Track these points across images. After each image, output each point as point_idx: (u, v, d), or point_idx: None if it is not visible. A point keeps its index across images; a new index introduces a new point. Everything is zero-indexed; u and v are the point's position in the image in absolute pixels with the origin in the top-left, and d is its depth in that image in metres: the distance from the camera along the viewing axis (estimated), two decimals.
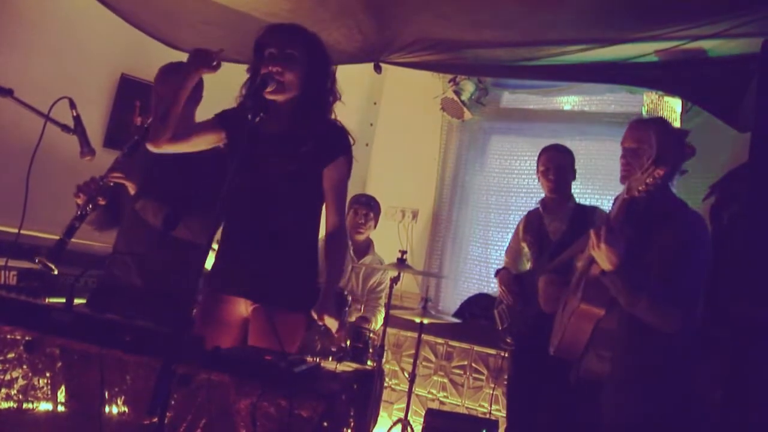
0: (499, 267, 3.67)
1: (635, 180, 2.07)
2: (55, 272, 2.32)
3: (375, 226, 4.24)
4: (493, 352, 4.45)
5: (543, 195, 3.54)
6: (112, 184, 2.44)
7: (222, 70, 2.23)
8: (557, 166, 3.40)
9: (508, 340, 3.44)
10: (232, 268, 2.25)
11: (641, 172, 2.04)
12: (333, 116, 2.29)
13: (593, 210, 3.42)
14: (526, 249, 3.49)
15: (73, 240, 2.39)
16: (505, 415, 3.99)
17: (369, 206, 4.17)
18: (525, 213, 3.70)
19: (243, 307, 2.25)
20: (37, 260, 2.30)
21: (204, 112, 2.50)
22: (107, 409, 1.71)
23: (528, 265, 3.48)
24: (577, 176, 3.52)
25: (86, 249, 2.86)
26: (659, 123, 2.37)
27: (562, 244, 3.15)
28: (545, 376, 2.91)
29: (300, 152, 2.16)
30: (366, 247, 4.22)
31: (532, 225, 3.50)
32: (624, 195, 2.13)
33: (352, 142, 2.29)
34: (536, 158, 3.54)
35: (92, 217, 2.50)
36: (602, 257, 2.10)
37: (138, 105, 2.81)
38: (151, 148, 2.24)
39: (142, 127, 2.48)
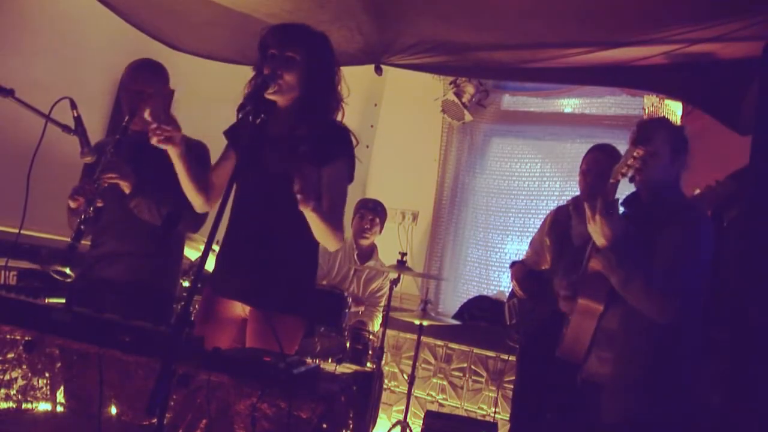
0: (516, 260, 3.57)
1: (618, 166, 2.16)
2: (72, 278, 2.31)
3: (380, 232, 4.25)
4: (492, 354, 4.44)
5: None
6: (106, 185, 2.41)
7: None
8: (598, 172, 3.04)
9: (515, 337, 3.40)
10: (229, 271, 2.24)
11: (625, 159, 2.14)
12: (340, 117, 2.25)
13: None
14: (548, 243, 3.36)
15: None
16: (504, 418, 3.99)
17: (375, 211, 4.17)
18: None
19: (240, 309, 2.24)
20: (52, 270, 2.29)
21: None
22: (106, 410, 1.71)
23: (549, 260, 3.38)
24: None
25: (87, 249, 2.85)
26: (665, 122, 2.43)
27: (583, 251, 3.08)
28: (552, 378, 2.89)
29: (298, 153, 2.13)
30: (370, 252, 4.23)
31: (558, 224, 3.35)
32: (611, 180, 2.19)
33: (355, 143, 2.25)
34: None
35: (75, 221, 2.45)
36: (597, 231, 2.12)
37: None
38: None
39: (122, 126, 2.47)
